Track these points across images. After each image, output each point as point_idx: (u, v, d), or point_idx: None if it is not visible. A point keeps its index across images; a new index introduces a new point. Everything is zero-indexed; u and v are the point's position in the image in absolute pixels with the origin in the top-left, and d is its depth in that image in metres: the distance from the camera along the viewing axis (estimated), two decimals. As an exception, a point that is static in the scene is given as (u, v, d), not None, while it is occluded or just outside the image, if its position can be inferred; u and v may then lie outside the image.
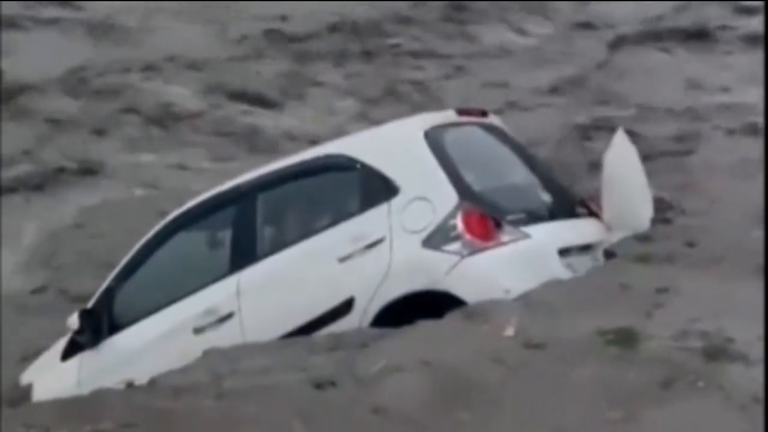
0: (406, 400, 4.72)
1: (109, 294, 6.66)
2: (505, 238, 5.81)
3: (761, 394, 4.33)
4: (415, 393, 4.77)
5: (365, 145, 6.34)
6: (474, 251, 5.75)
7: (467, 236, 5.75)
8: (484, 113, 6.82)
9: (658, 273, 5.83)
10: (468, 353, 5.06)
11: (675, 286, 5.60)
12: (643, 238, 6.41)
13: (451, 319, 5.62)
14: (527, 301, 5.56)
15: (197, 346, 5.93)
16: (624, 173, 6.54)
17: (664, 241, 6.38)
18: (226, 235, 6.53)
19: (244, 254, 6.29)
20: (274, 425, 4.65)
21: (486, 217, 5.83)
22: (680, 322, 5.09)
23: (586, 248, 6.21)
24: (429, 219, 5.82)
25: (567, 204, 6.55)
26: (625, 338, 4.93)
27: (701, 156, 9.28)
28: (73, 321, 6.65)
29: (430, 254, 5.76)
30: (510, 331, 5.25)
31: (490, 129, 6.75)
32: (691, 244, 6.32)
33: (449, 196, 5.86)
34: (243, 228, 6.38)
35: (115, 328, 6.61)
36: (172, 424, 4.78)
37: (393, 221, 5.88)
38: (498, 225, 5.83)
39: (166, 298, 6.47)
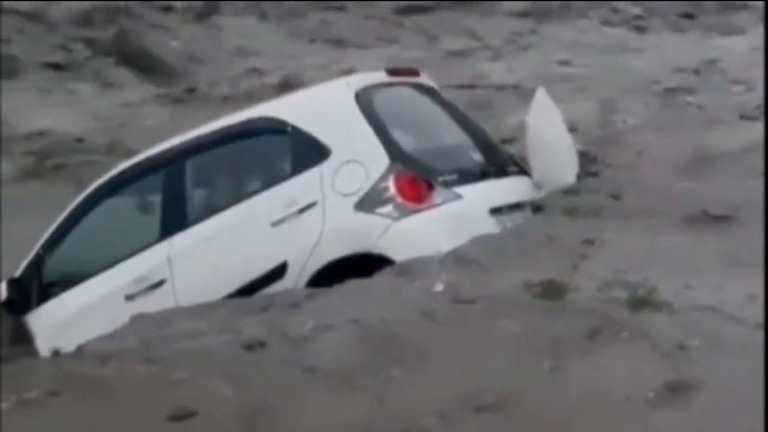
0: (338, 359, 4.71)
1: (38, 262, 6.55)
2: (436, 199, 5.82)
3: (686, 341, 4.40)
4: (347, 351, 4.77)
5: (295, 108, 6.26)
6: (406, 213, 5.74)
7: (399, 199, 5.75)
8: (414, 72, 6.78)
9: (584, 225, 5.90)
10: (398, 310, 5.07)
11: (601, 238, 5.67)
12: (569, 191, 6.48)
13: (381, 277, 5.63)
14: (456, 257, 5.58)
15: (129, 313, 5.84)
16: (547, 131, 6.58)
17: (590, 194, 6.45)
18: (155, 201, 6.44)
19: (174, 220, 6.22)
20: (204, 388, 4.61)
21: (418, 179, 5.82)
22: (606, 273, 5.16)
23: (517, 206, 6.24)
24: (361, 182, 5.80)
25: (498, 162, 6.55)
26: (552, 290, 4.98)
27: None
28: (1, 290, 6.52)
29: (363, 217, 5.75)
30: (439, 287, 5.28)
31: (421, 88, 6.72)
32: (616, 197, 6.40)
33: (381, 159, 5.83)
34: (173, 193, 6.30)
35: (44, 296, 6.50)
36: (100, 391, 4.71)
37: (325, 184, 5.84)
38: (430, 186, 5.81)
39: (96, 266, 6.40)
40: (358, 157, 5.85)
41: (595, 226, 5.87)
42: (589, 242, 5.63)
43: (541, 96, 6.76)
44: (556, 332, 4.57)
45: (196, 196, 6.42)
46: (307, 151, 5.95)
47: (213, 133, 6.39)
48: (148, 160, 6.54)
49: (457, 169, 6.11)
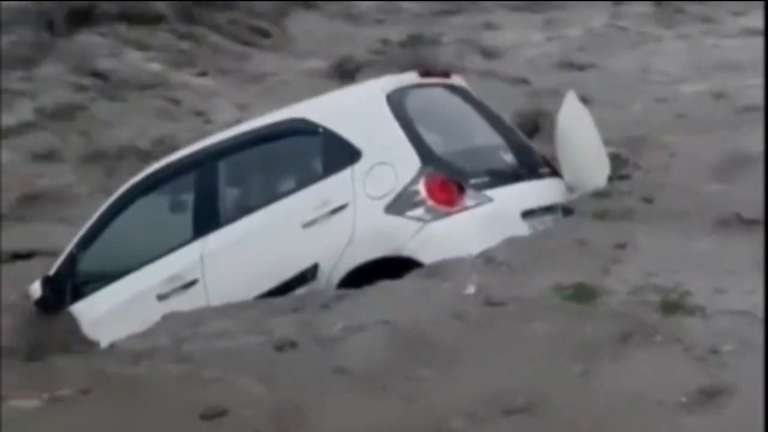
0: (368, 360, 4.72)
1: (71, 260, 6.58)
2: (468, 202, 5.79)
3: (719, 346, 4.37)
4: (377, 352, 4.78)
5: (327, 109, 6.27)
6: (437, 217, 5.73)
7: (430, 202, 5.73)
8: (446, 74, 6.76)
9: (615, 229, 5.86)
10: (428, 312, 5.07)
11: (632, 241, 5.63)
12: (600, 194, 6.44)
13: (412, 279, 5.63)
14: (487, 259, 5.57)
15: (161, 313, 5.89)
16: (577, 133, 6.55)
17: (621, 197, 6.41)
18: (188, 201, 6.46)
19: (207, 220, 6.24)
20: (235, 388, 4.63)
21: (449, 182, 5.80)
22: (638, 276, 5.13)
23: (549, 209, 6.21)
24: (392, 184, 5.79)
25: (531, 164, 6.52)
26: (583, 294, 4.96)
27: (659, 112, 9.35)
28: (35, 289, 6.56)
29: (393, 220, 5.74)
30: (470, 289, 5.27)
31: (454, 90, 6.71)
32: (648, 200, 6.36)
33: (412, 161, 5.82)
34: (206, 194, 6.32)
35: (77, 295, 6.53)
36: (132, 389, 4.75)
37: (356, 187, 5.84)
38: (461, 189, 5.80)
39: (129, 265, 6.42)
40: (389, 159, 5.84)
41: (626, 229, 5.84)
42: (620, 245, 5.59)
43: (571, 99, 6.73)
44: (587, 335, 4.55)
45: (228, 196, 6.43)
46: (339, 153, 5.95)
47: (246, 134, 6.42)
48: (182, 160, 6.57)
49: (489, 171, 6.09)
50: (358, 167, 5.87)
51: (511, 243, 5.75)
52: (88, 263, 6.60)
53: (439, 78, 6.64)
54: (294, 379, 4.67)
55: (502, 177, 6.11)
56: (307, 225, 5.90)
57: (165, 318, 5.84)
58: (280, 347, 4.99)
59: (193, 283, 6.15)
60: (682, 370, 4.23)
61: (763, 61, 9.83)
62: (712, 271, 5.15)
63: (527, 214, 6.00)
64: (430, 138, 6.03)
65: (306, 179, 6.13)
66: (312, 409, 4.37)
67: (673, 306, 4.74)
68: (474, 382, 4.40)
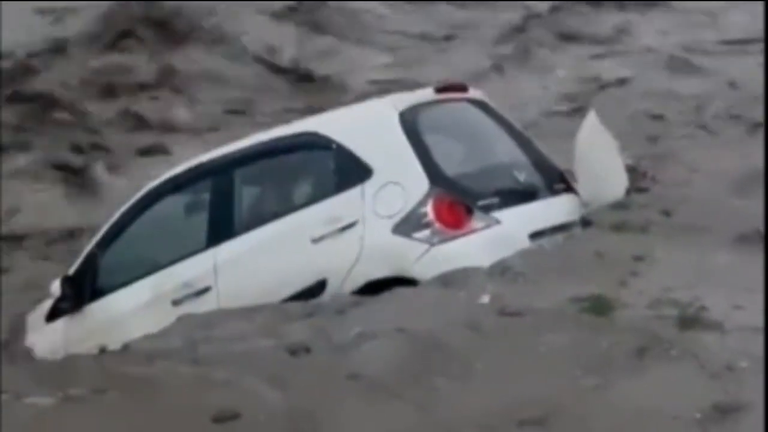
0: (382, 367, 4.71)
1: (91, 260, 6.60)
2: (475, 225, 5.80)
3: (735, 362, 4.34)
4: (391, 360, 4.76)
5: (341, 125, 6.27)
6: (444, 239, 5.74)
7: (437, 224, 5.74)
8: (463, 88, 6.72)
9: (633, 242, 5.84)
10: (443, 320, 5.05)
11: (650, 254, 5.61)
12: (619, 206, 6.41)
13: (427, 287, 5.62)
14: (503, 268, 5.55)
15: (175, 317, 5.90)
16: (596, 151, 6.49)
17: (640, 209, 6.38)
18: (204, 208, 6.47)
19: (221, 229, 6.26)
20: (248, 391, 4.63)
21: (457, 204, 5.80)
22: (655, 290, 5.10)
23: (561, 227, 6.15)
24: (401, 204, 5.79)
25: (547, 181, 6.45)
26: (600, 306, 4.93)
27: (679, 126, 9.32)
28: (56, 287, 6.60)
29: (401, 241, 5.75)
30: (485, 299, 5.26)
31: (471, 105, 6.64)
32: (667, 213, 6.33)
33: (421, 182, 5.81)
34: (220, 202, 6.34)
35: (96, 294, 6.55)
36: (145, 390, 4.76)
37: (366, 205, 5.84)
38: (469, 211, 5.80)
39: (146, 268, 6.44)
40: (398, 179, 5.83)
41: (644, 243, 5.81)
42: (638, 258, 5.57)
43: (592, 118, 6.69)
44: (603, 349, 4.52)
45: (242, 206, 6.44)
46: (350, 170, 5.95)
47: (261, 145, 6.41)
48: (200, 166, 6.58)
49: (500, 191, 6.05)
50: (369, 185, 5.88)
51: (528, 254, 5.74)
52: (107, 263, 6.60)
53: (456, 92, 6.59)
54: (307, 385, 4.66)
55: (513, 197, 6.07)
56: (317, 240, 5.92)
57: (179, 320, 5.85)
58: (294, 352, 4.99)
59: (206, 290, 6.17)
60: (697, 386, 4.20)
61: (763, 61, 9.83)
62: (730, 287, 5.12)
63: (536, 235, 5.96)
64: (442, 157, 6.03)
65: (317, 194, 6.15)
66: (325, 414, 4.36)
67: (690, 321, 4.71)
68: (488, 392, 4.38)
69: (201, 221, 6.44)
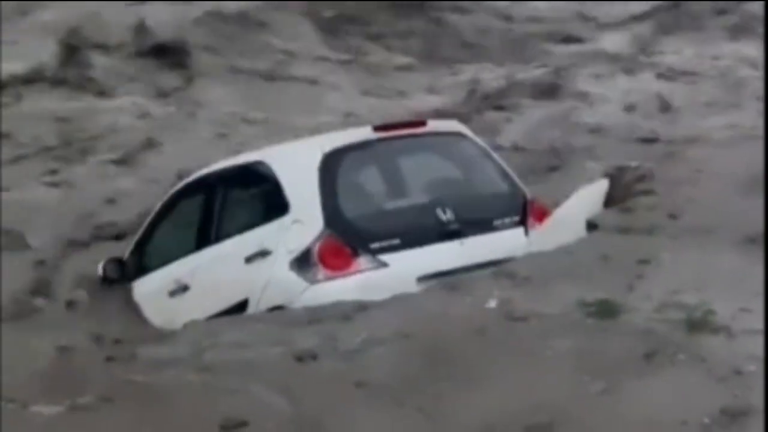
0: (388, 373, 4.72)
1: (137, 247, 7.35)
2: (360, 267, 6.05)
3: (743, 366, 4.33)
4: (397, 365, 4.77)
5: (281, 158, 6.65)
6: (322, 279, 6.04)
7: (319, 265, 6.08)
8: (419, 123, 6.80)
9: (639, 245, 5.82)
10: (450, 325, 5.06)
11: (657, 257, 5.59)
12: (624, 209, 6.38)
13: (433, 292, 5.62)
14: (509, 273, 5.55)
15: (169, 307, 6.71)
16: (579, 213, 6.36)
17: (646, 212, 6.35)
18: (200, 213, 6.97)
19: (203, 236, 6.83)
20: (255, 399, 4.63)
21: (341, 247, 6.08)
22: (662, 294, 5.09)
23: (473, 268, 6.01)
24: (301, 241, 6.13)
25: (487, 217, 6.34)
26: (607, 310, 4.92)
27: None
28: (100, 269, 7.32)
29: (292, 275, 6.12)
30: (492, 304, 5.26)
31: (430, 138, 6.69)
32: (673, 216, 6.29)
33: (317, 223, 6.14)
34: (206, 212, 6.90)
35: (140, 272, 7.24)
36: (152, 398, 4.76)
37: (279, 238, 6.24)
38: (356, 254, 6.04)
39: (162, 259, 7.09)
40: (303, 217, 6.20)
41: (651, 246, 5.79)
42: (644, 262, 5.55)
43: (600, 186, 6.66)
44: (611, 353, 4.52)
45: (217, 219, 6.83)
46: (278, 202, 6.35)
47: (234, 167, 6.94)
48: (206, 176, 7.07)
49: (404, 233, 6.16)
50: (286, 219, 6.27)
51: (534, 258, 5.73)
52: (144, 251, 7.32)
53: (406, 129, 6.66)
54: (314, 391, 4.67)
55: (419, 238, 6.14)
56: (248, 261, 6.36)
57: (186, 326, 5.92)
58: (300, 358, 5.00)
59: (186, 288, 6.74)
60: (705, 390, 4.20)
61: (763, 63, 9.79)
62: (737, 290, 5.10)
63: (426, 278, 6.00)
64: (351, 199, 6.30)
65: (257, 219, 6.53)
66: (332, 421, 4.37)
67: (697, 324, 4.70)
68: (494, 397, 4.39)
69: (194, 227, 7.00)
